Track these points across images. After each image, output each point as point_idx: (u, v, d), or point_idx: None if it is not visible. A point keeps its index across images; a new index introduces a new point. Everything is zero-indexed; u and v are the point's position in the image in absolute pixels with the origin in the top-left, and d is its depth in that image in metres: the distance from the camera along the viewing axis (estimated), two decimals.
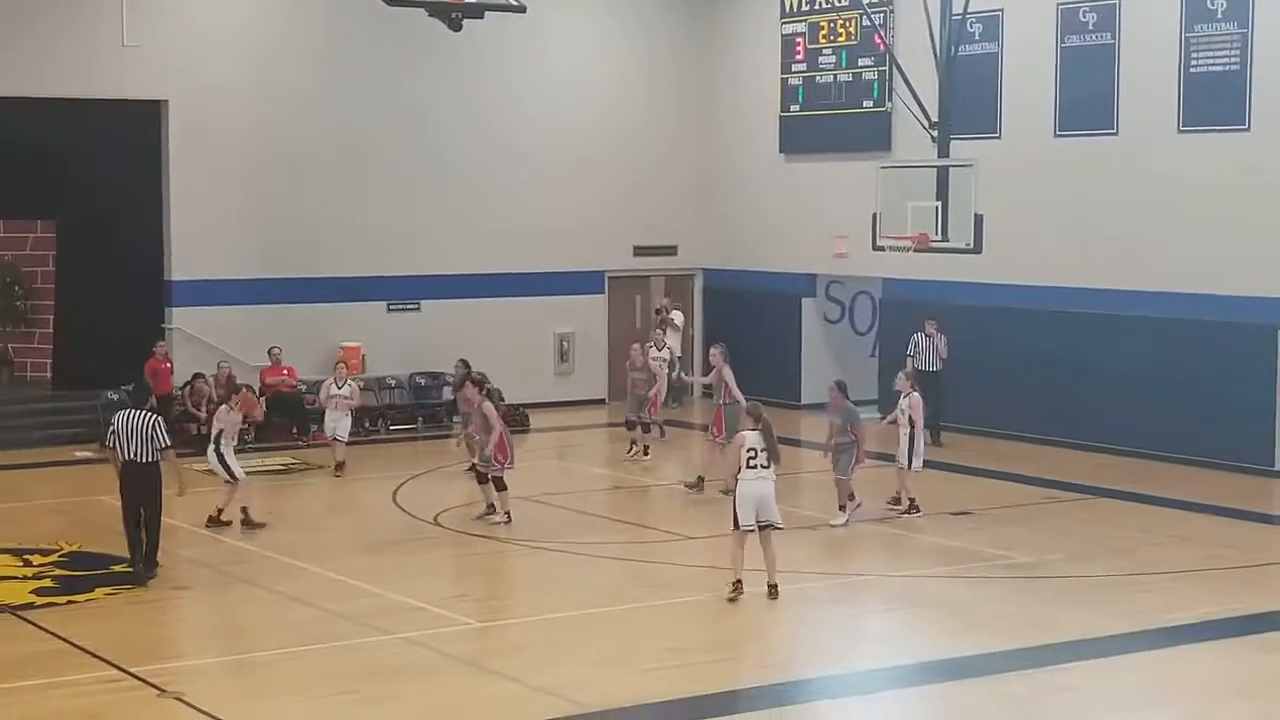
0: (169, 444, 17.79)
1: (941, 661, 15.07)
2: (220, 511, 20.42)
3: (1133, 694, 14.22)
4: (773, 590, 16.92)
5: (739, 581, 16.85)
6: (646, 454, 25.39)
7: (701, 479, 22.63)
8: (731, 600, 16.80)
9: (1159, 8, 24.97)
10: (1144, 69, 25.27)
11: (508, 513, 20.62)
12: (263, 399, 27.13)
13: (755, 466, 16.86)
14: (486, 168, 30.28)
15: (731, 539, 17.03)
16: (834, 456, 20.64)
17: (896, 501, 21.31)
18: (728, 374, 22.98)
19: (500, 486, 20.68)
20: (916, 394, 21.39)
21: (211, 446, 20.61)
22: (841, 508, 20.55)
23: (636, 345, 26.48)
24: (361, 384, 27.55)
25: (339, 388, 24.42)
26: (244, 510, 20.51)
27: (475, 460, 21.34)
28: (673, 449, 26.63)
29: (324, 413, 24.70)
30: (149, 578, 17.58)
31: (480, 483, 20.99)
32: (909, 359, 26.40)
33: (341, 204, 28.96)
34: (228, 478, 20.49)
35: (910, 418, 21.19)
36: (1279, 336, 23.79)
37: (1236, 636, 15.74)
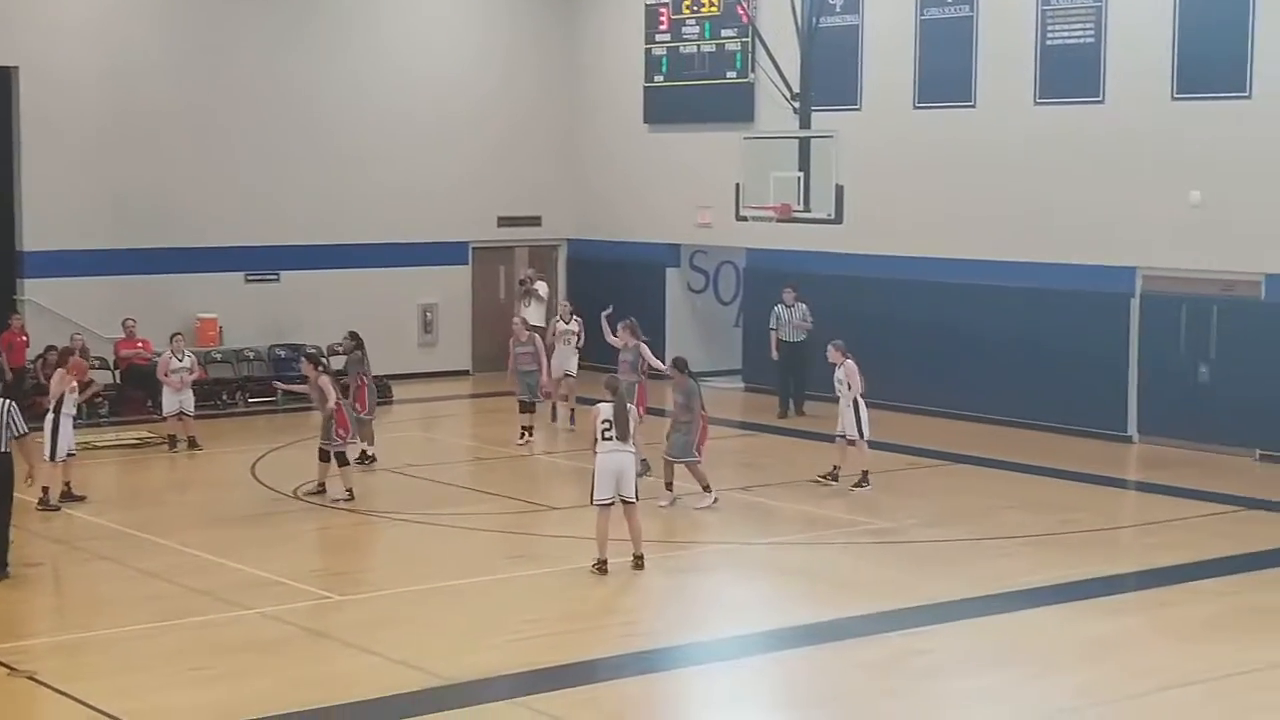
0: (25, 431, 16.68)
1: (802, 627, 15.23)
2: (46, 491, 19.77)
3: (985, 656, 14.45)
4: (638, 561, 16.96)
5: (604, 562, 16.79)
6: (531, 435, 24.39)
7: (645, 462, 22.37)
8: (596, 572, 16.83)
9: None
10: (1001, 42, 25.57)
11: (350, 490, 20.22)
12: (117, 371, 26.83)
13: (610, 439, 16.86)
14: (349, 138, 30.00)
15: (597, 514, 16.99)
16: (669, 435, 20.19)
17: (832, 477, 21.06)
18: (645, 349, 22.74)
19: (342, 462, 20.40)
20: (850, 361, 21.03)
21: (50, 415, 19.96)
22: (706, 489, 19.98)
23: (518, 320, 25.70)
24: (219, 356, 27.36)
25: (180, 361, 23.96)
26: (65, 484, 20.08)
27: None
28: (537, 420, 26.55)
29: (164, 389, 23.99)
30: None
31: (321, 460, 20.60)
32: (772, 332, 26.54)
33: (198, 173, 28.55)
34: (47, 455, 19.59)
35: (849, 385, 20.92)
36: (1130, 305, 24.21)
37: (1086, 599, 16.05)
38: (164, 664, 14.05)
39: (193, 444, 23.82)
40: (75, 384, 20.39)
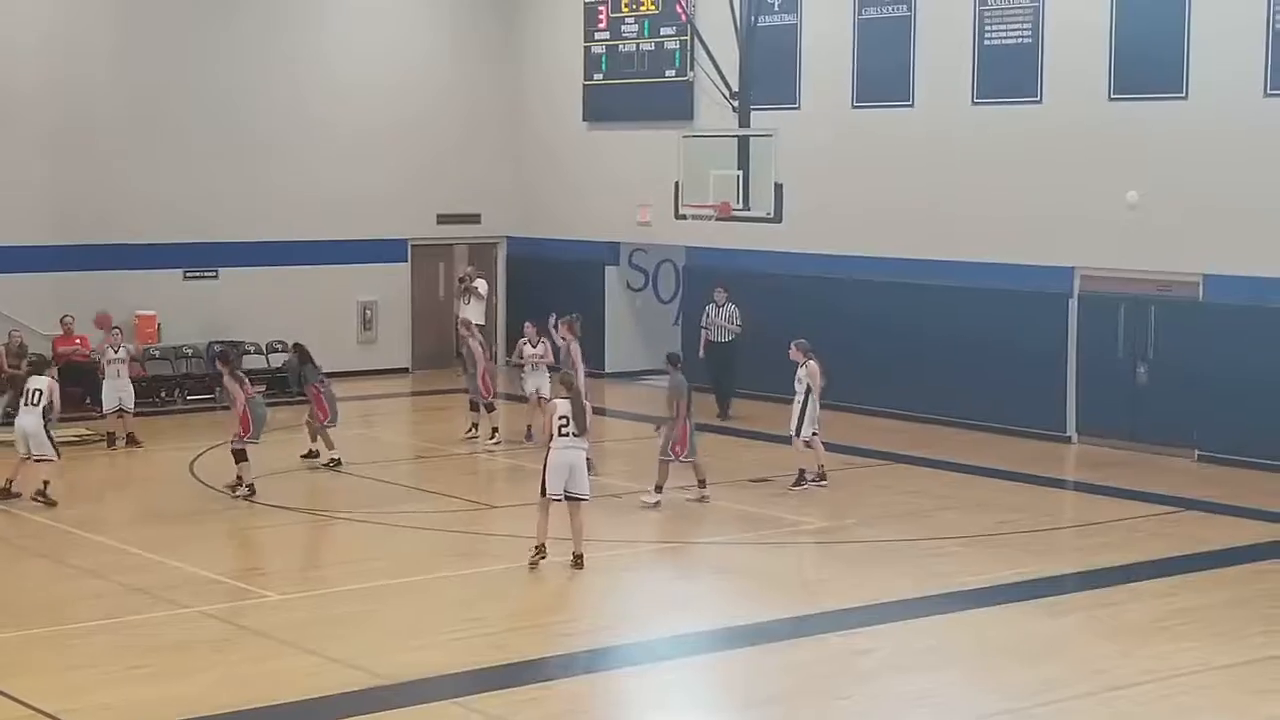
0: None
1: (741, 627, 15.25)
2: (10, 483, 19.89)
3: (924, 657, 14.49)
4: (578, 560, 16.98)
5: (542, 546, 16.88)
6: (491, 436, 24.24)
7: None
8: (533, 566, 16.84)
9: None
10: (939, 42, 25.70)
11: (250, 485, 20.26)
12: (54, 368, 26.56)
13: (567, 434, 16.90)
14: (286, 133, 29.87)
15: (538, 505, 17.05)
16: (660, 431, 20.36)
17: (801, 482, 21.01)
18: (575, 349, 22.81)
19: (241, 458, 20.39)
20: (814, 361, 21.04)
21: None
22: (658, 488, 20.05)
23: (462, 319, 25.81)
24: (157, 353, 27.23)
25: (115, 352, 23.77)
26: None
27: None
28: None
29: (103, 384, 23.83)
30: None
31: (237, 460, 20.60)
32: (703, 330, 26.57)
33: (136, 169, 28.36)
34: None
35: (809, 386, 20.94)
36: (1069, 305, 24.37)
37: (1025, 600, 16.14)
38: (103, 662, 13.95)
39: (131, 441, 23.67)
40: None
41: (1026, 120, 24.67)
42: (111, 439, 23.62)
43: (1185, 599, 16.23)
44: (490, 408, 24.51)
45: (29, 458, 19.99)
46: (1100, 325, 24.05)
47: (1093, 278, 24.31)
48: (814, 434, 21.06)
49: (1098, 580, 16.91)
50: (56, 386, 20.40)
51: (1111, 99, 23.76)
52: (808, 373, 21.02)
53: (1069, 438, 24.41)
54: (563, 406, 17.04)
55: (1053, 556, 18.22)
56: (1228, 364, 22.68)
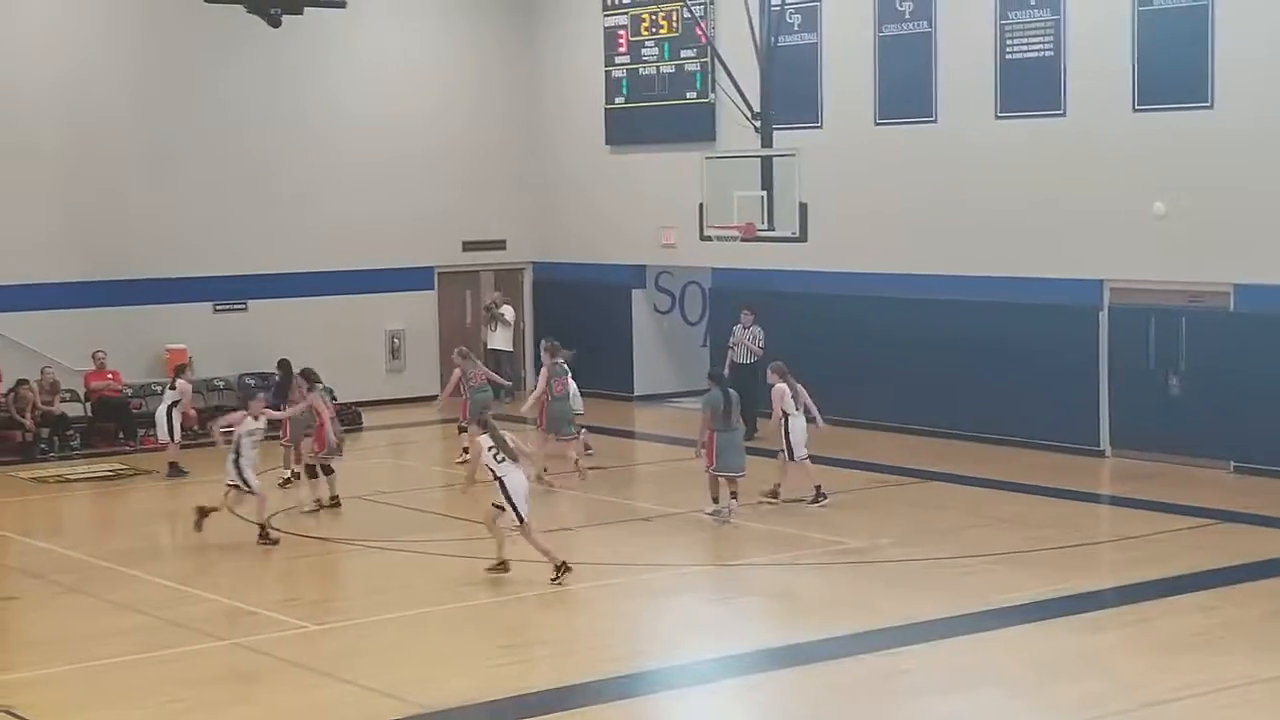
0: None
1: (777, 649, 15.17)
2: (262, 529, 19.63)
3: (963, 676, 14.41)
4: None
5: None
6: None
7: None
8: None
9: None
10: (961, 57, 25.65)
11: (333, 498, 20.70)
12: (88, 403, 26.76)
13: (504, 461, 17.34)
14: (311, 165, 29.99)
15: (528, 530, 17.44)
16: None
17: (819, 499, 21.09)
18: (544, 371, 23.16)
19: (326, 472, 20.93)
20: (782, 384, 21.15)
21: (232, 457, 19.60)
22: (714, 499, 20.35)
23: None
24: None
25: (171, 389, 24.03)
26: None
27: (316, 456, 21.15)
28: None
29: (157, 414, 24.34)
30: None
31: (310, 476, 20.91)
32: (730, 350, 26.54)
33: (164, 204, 28.51)
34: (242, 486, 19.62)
35: (783, 408, 21.08)
36: (1099, 318, 24.29)
37: (1062, 616, 16.03)
38: (141, 697, 13.96)
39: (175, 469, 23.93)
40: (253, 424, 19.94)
41: (1050, 133, 24.61)
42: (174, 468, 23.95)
43: (1226, 612, 16.11)
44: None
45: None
46: (1131, 337, 23.95)
47: (1122, 290, 24.21)
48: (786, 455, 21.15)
49: (1136, 594, 16.79)
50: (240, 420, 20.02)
51: (1136, 110, 23.67)
52: (775, 396, 21.04)
53: (1102, 451, 24.30)
54: (484, 441, 17.41)
55: (1090, 571, 18.14)
56: (1261, 374, 22.55)
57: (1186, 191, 23.16)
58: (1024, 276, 25.01)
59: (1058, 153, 24.57)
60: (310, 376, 21.72)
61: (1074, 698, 13.61)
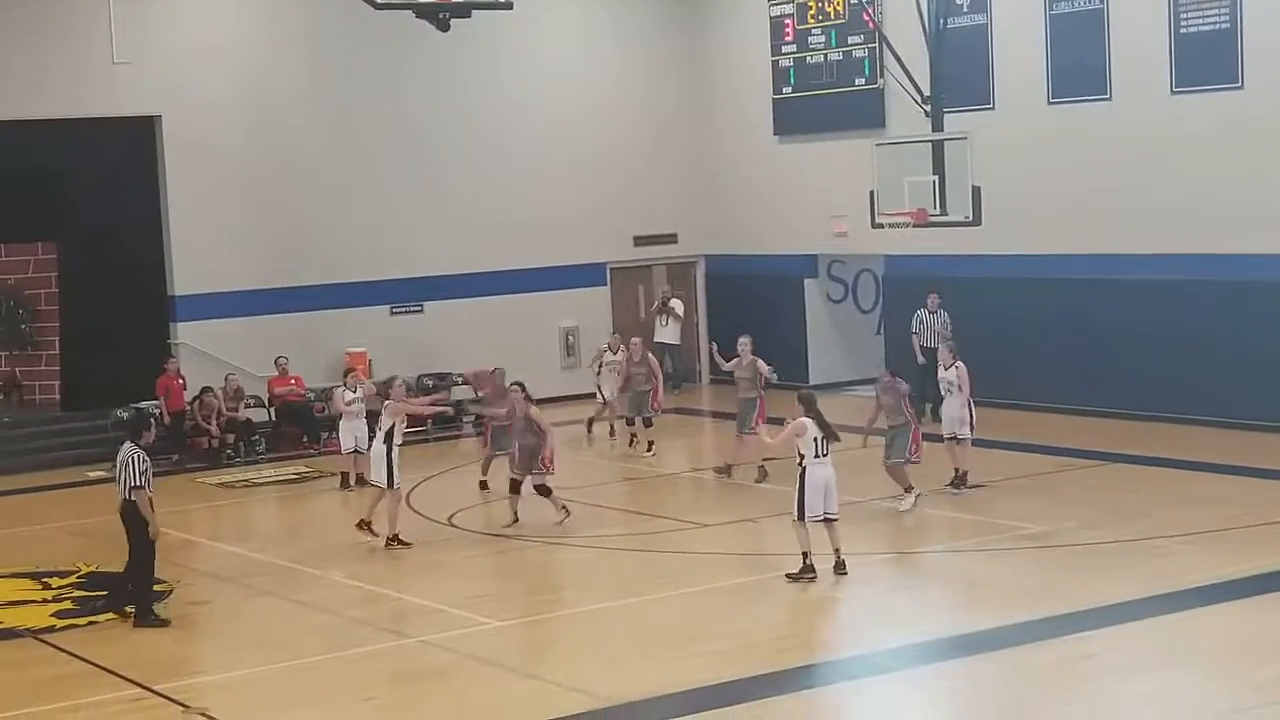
0: (139, 484, 16.37)
1: (961, 636, 15.03)
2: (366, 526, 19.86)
3: (1154, 658, 14.21)
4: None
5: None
6: (650, 450, 25.09)
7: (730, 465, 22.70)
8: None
9: None
10: (1134, 32, 25.22)
11: (564, 507, 20.38)
12: (272, 409, 27.28)
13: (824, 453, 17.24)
14: (482, 166, 30.28)
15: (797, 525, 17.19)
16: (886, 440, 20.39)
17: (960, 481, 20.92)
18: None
19: (545, 492, 20.43)
20: (961, 364, 21.10)
21: (382, 446, 19.70)
22: (908, 490, 20.19)
23: (637, 339, 26.11)
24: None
25: (353, 393, 23.44)
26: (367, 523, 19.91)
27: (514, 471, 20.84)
28: (678, 437, 26.64)
29: (338, 422, 23.65)
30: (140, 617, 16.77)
31: (512, 491, 20.56)
32: (914, 336, 26.35)
33: (339, 210, 28.97)
34: (384, 483, 19.64)
35: (959, 387, 20.93)
36: None
37: (1254, 596, 15.70)
38: (335, 695, 14.20)
39: (362, 481, 23.98)
40: (404, 415, 20.31)
41: (1228, 106, 24.10)
42: (345, 479, 23.80)
43: None
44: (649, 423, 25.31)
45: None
46: None
47: None
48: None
49: None
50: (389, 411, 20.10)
51: None
52: (958, 374, 20.94)
53: None
54: (812, 426, 17.05)
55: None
56: None
57: None
58: (1204, 253, 24.49)
59: (1236, 125, 24.05)
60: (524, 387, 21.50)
61: (1266, 679, 13.34)
